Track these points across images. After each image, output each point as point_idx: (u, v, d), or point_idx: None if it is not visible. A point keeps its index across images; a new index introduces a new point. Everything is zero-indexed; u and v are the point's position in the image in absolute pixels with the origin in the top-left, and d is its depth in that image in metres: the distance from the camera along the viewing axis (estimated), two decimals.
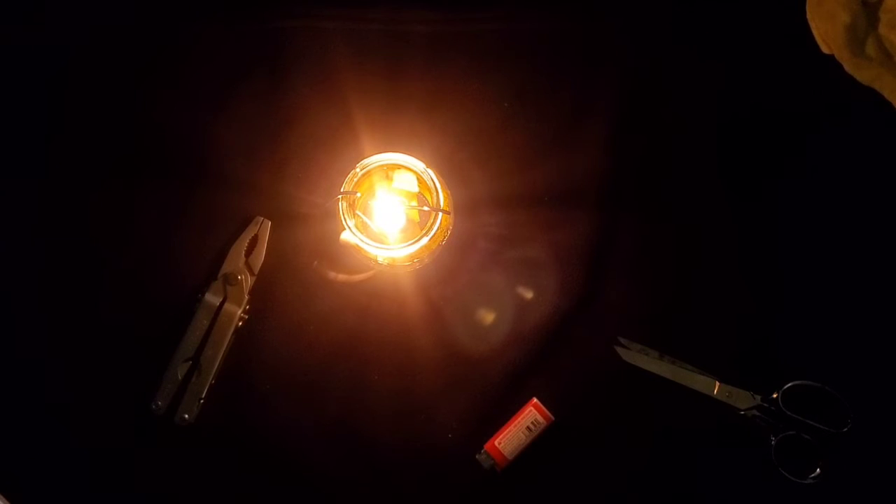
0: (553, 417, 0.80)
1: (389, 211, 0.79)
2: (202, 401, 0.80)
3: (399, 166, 0.78)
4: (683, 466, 0.80)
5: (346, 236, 0.77)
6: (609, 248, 0.83)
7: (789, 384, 0.79)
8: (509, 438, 0.80)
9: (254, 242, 0.82)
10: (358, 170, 0.77)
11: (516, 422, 0.80)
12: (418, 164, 0.77)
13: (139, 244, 0.83)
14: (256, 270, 0.82)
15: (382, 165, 0.77)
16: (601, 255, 0.83)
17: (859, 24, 0.82)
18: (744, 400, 0.79)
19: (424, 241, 0.77)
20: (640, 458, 0.80)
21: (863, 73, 0.82)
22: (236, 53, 0.86)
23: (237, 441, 0.81)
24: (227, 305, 0.81)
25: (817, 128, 0.84)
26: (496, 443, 0.80)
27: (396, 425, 0.81)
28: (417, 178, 0.78)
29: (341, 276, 0.83)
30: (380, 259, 0.79)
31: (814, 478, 0.78)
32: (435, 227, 0.76)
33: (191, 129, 0.84)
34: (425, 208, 0.78)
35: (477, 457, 0.80)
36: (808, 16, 0.84)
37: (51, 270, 0.83)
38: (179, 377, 0.80)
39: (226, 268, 0.81)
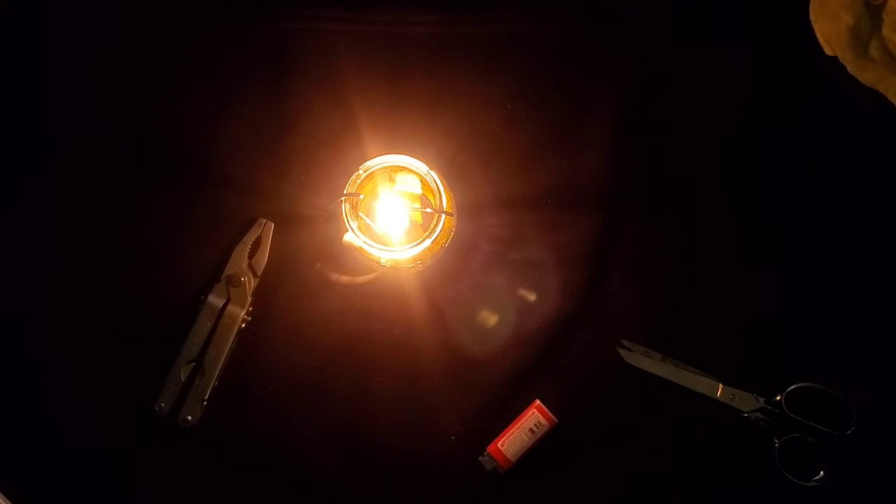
0: (556, 419, 0.80)
1: (392, 213, 0.79)
2: (205, 402, 0.80)
3: (402, 168, 0.78)
4: (686, 469, 0.80)
5: (349, 238, 0.77)
6: (612, 250, 0.83)
7: (793, 386, 0.79)
8: (512, 440, 0.79)
9: (257, 244, 0.82)
10: (361, 172, 0.77)
11: (519, 424, 0.80)
12: (421, 166, 0.77)
13: (142, 246, 0.83)
14: (259, 272, 0.82)
15: (385, 167, 0.77)
16: (604, 256, 0.83)
17: (863, 26, 0.82)
18: (747, 402, 0.79)
19: (427, 242, 0.77)
20: (643, 460, 0.80)
21: (866, 75, 0.82)
22: (239, 55, 0.86)
23: (240, 442, 0.81)
24: (230, 307, 0.81)
25: (820, 129, 0.84)
26: (499, 445, 0.80)
27: (399, 427, 0.81)
28: (420, 180, 0.78)
29: (344, 278, 0.83)
30: (383, 261, 0.79)
31: (817, 480, 0.78)
32: (438, 229, 0.76)
33: (194, 131, 0.84)
34: (428, 210, 0.78)
35: (480, 459, 0.80)
36: (812, 17, 0.84)
37: (54, 272, 0.83)
38: (182, 379, 0.80)
39: (229, 270, 0.82)
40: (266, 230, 0.82)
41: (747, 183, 0.84)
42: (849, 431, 0.78)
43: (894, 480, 0.79)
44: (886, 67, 0.82)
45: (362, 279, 0.83)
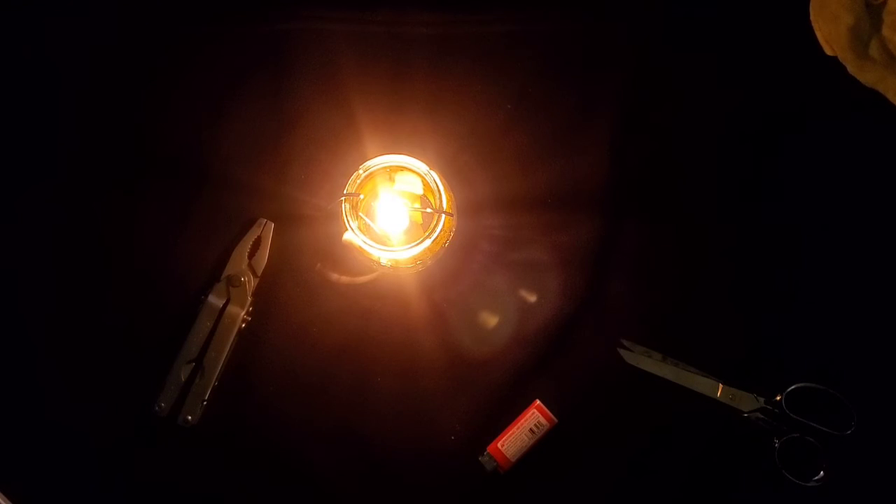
0: (556, 419, 0.80)
1: (392, 213, 0.79)
2: (205, 402, 0.80)
3: (402, 168, 0.78)
4: (686, 469, 0.80)
5: (349, 238, 0.77)
6: (612, 250, 0.83)
7: (793, 386, 0.79)
8: (512, 440, 0.79)
9: (257, 244, 0.82)
10: (361, 172, 0.77)
11: (519, 424, 0.80)
12: (421, 166, 0.77)
13: (143, 246, 0.83)
14: (259, 272, 0.82)
15: (385, 167, 0.77)
16: (604, 257, 0.83)
17: (863, 26, 0.82)
18: (747, 402, 0.79)
19: (427, 243, 0.77)
20: (643, 460, 0.80)
21: (866, 75, 0.82)
22: (239, 56, 0.86)
23: (240, 442, 0.81)
24: (230, 307, 0.81)
25: (820, 130, 0.84)
26: (499, 445, 0.80)
27: (399, 427, 0.81)
28: (420, 180, 0.78)
29: (344, 278, 0.83)
30: (383, 261, 0.79)
31: (817, 480, 0.78)
32: (438, 229, 0.76)
33: (194, 132, 0.85)
34: (428, 210, 0.78)
35: (480, 459, 0.80)
36: (812, 17, 0.84)
37: (55, 272, 0.83)
38: (182, 379, 0.80)
39: (229, 270, 0.82)
40: (266, 230, 0.82)
41: (747, 183, 0.84)
42: (849, 431, 0.78)
43: (894, 480, 0.79)
44: (886, 67, 0.82)
45: (362, 279, 0.83)
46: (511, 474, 0.80)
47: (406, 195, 0.80)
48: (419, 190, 0.80)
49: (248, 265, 0.82)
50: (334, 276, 0.83)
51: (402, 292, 0.83)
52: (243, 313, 0.81)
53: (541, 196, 0.84)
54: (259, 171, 0.84)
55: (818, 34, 0.83)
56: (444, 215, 0.76)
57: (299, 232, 0.83)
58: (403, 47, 0.85)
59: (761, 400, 0.79)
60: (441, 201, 0.77)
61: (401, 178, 0.79)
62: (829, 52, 0.83)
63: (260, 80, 0.85)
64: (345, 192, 0.77)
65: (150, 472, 0.81)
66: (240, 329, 0.81)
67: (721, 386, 0.80)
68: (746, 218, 0.83)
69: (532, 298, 0.83)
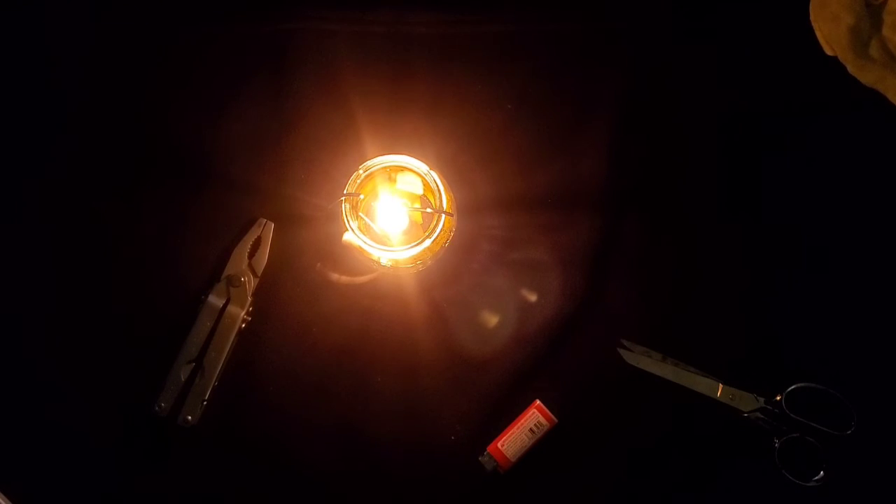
0: (556, 419, 0.80)
1: (392, 213, 0.79)
2: (205, 402, 0.80)
3: (402, 168, 0.78)
4: (686, 469, 0.80)
5: (348, 238, 0.77)
6: (612, 250, 0.83)
7: (793, 386, 0.79)
8: (512, 440, 0.79)
9: (257, 244, 0.82)
10: (361, 172, 0.77)
11: (519, 424, 0.80)
12: (421, 166, 0.77)
13: (142, 246, 0.83)
14: (259, 272, 0.82)
15: (386, 167, 0.77)
16: (604, 257, 0.83)
17: (863, 26, 0.82)
18: (747, 402, 0.79)
19: (427, 243, 0.77)
20: (643, 460, 0.80)
21: (866, 75, 0.82)
22: (240, 56, 0.86)
23: (240, 442, 0.81)
24: (230, 307, 0.81)
25: (820, 130, 0.84)
26: (499, 445, 0.80)
27: (399, 427, 0.81)
28: (421, 180, 0.78)
29: (344, 278, 0.83)
30: (383, 261, 0.79)
31: (817, 480, 0.78)
32: (438, 229, 0.76)
33: (194, 132, 0.85)
34: (428, 210, 0.78)
35: (480, 459, 0.80)
36: (812, 17, 0.84)
37: (55, 272, 0.83)
38: (182, 379, 0.80)
39: (229, 270, 0.82)
40: (266, 230, 0.82)
41: (747, 183, 0.84)
42: (849, 431, 0.78)
43: (894, 480, 0.79)
44: (886, 67, 0.82)
45: (362, 279, 0.83)
46: (511, 474, 0.80)
47: (406, 195, 0.80)
48: (419, 190, 0.80)
49: (248, 265, 0.82)
50: (334, 276, 0.83)
51: (402, 292, 0.83)
52: (243, 313, 0.81)
53: (541, 196, 0.84)
54: (259, 171, 0.84)
55: (818, 34, 0.83)
56: (444, 215, 0.76)
57: (299, 232, 0.83)
58: (403, 47, 0.85)
59: (761, 400, 0.79)
60: (441, 201, 0.77)
61: (401, 177, 0.79)
62: (829, 52, 0.83)
63: (260, 81, 0.85)
64: (345, 192, 0.77)
65: (149, 472, 0.81)
66: (240, 329, 0.81)
67: (721, 386, 0.80)
68: (746, 218, 0.83)
69: (532, 298, 0.83)
